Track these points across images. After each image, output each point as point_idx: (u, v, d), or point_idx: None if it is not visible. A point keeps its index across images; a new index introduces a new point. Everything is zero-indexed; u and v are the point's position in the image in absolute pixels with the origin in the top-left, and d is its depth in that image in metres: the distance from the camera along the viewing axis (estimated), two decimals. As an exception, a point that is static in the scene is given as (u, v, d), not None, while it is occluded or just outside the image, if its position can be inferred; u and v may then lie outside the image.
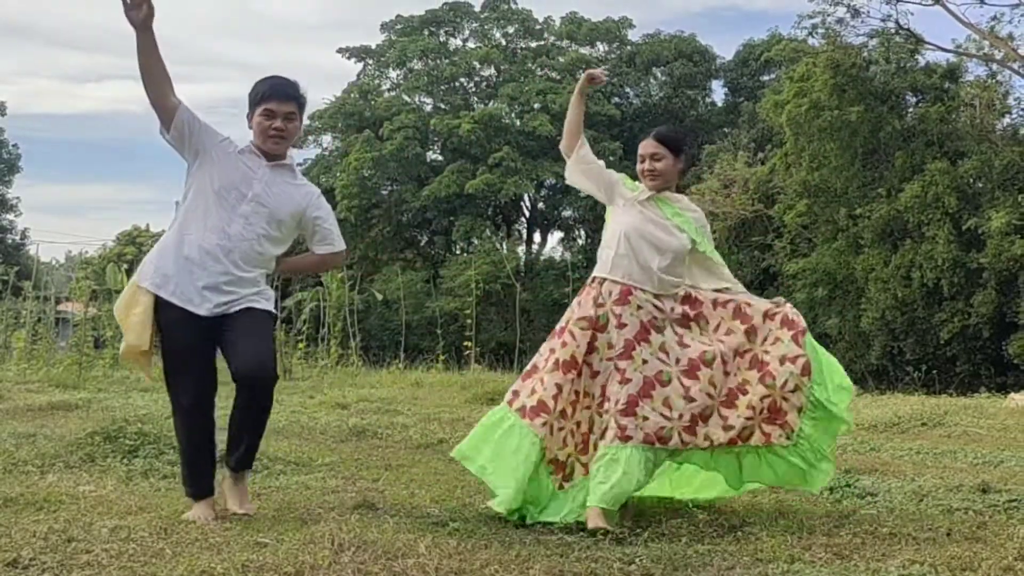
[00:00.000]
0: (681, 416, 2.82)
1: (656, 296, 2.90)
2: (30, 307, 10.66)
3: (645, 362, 2.83)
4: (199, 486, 2.76)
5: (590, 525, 2.68)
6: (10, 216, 31.09)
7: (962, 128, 16.12)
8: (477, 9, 26.41)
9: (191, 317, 2.67)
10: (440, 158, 25.67)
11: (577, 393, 2.86)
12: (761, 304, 2.97)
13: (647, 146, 2.98)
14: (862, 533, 2.62)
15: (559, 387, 2.83)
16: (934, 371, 12.81)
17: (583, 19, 26.19)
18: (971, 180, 15.39)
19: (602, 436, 2.81)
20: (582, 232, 26.16)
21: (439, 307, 17.61)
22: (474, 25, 26.59)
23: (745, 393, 2.85)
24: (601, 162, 3.12)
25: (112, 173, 75.67)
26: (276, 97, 2.75)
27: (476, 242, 24.31)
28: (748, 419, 2.84)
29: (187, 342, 2.70)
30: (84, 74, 68.23)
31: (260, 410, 2.83)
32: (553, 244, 27.37)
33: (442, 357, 10.02)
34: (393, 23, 26.66)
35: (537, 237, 27.11)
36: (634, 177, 3.10)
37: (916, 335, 15.31)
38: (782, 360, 2.85)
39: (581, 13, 26.37)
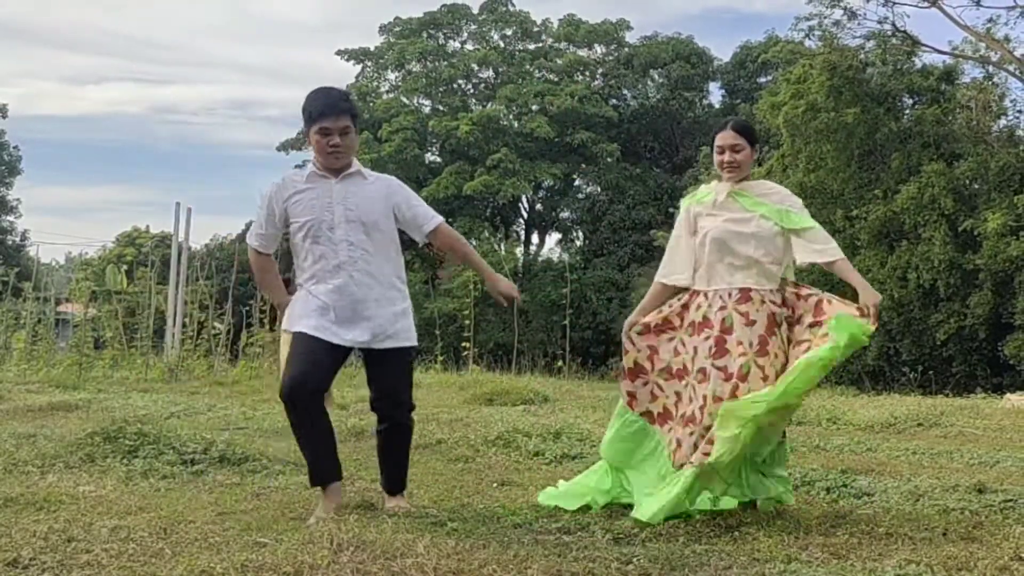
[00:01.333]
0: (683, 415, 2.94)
1: (767, 289, 2.92)
2: (30, 308, 10.67)
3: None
4: None
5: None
6: (10, 217, 31.15)
7: (958, 130, 16.17)
8: (475, 11, 26.46)
9: None
10: (438, 159, 25.69)
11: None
12: (837, 306, 2.84)
13: (727, 137, 2.98)
14: (859, 533, 2.63)
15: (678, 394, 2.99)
16: (930, 372, 12.87)
17: (581, 21, 26.24)
18: (967, 182, 15.44)
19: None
20: (580, 233, 26.19)
21: (437, 308, 17.61)
22: (472, 27, 26.63)
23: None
24: (675, 243, 3.08)
25: (112, 175, 75.62)
26: (330, 114, 2.80)
27: (474, 243, 24.25)
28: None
29: None
30: (84, 76, 68.32)
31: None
32: (551, 245, 27.43)
33: (440, 358, 10.03)
34: (391, 25, 26.69)
35: (535, 238, 27.18)
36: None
37: (912, 336, 15.35)
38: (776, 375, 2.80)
39: (579, 15, 26.48)
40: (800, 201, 3.04)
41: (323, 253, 2.79)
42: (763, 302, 2.89)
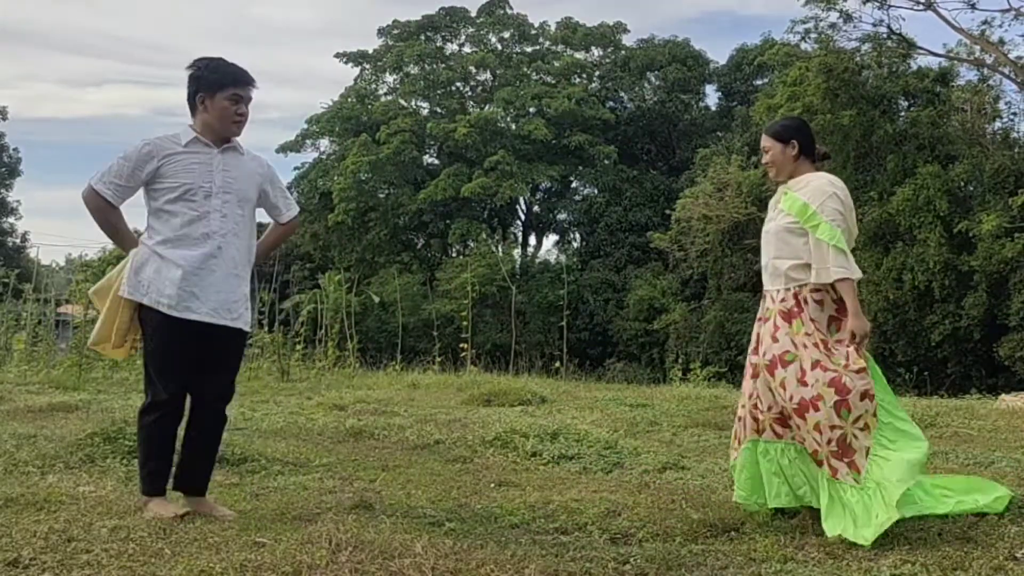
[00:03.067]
0: (771, 408, 2.84)
1: (776, 290, 2.89)
2: (30, 309, 10.67)
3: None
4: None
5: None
6: (11, 219, 31.22)
7: (953, 132, 16.25)
8: (473, 14, 26.52)
9: None
10: (436, 162, 25.71)
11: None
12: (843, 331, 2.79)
13: (763, 143, 3.05)
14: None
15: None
16: (925, 373, 12.90)
17: (578, 24, 26.31)
18: (962, 183, 15.51)
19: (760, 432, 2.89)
20: (577, 235, 26.23)
21: (435, 309, 17.60)
22: (470, 30, 26.68)
23: (817, 410, 2.69)
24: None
25: (112, 176, 75.32)
26: (243, 83, 2.78)
27: (472, 245, 24.35)
28: (816, 442, 2.72)
29: None
30: (84, 79, 68.32)
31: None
32: (548, 247, 27.55)
33: (438, 359, 10.04)
34: (390, 28, 26.73)
35: (532, 240, 27.21)
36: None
37: (907, 337, 15.40)
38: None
39: (576, 18, 26.57)
40: (831, 193, 2.80)
41: (192, 219, 2.71)
42: (773, 301, 2.88)
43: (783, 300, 2.85)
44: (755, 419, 2.88)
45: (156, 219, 2.75)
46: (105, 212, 2.73)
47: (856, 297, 2.77)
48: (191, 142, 2.76)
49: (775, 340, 2.82)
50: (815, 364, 2.73)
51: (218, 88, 2.76)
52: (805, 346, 2.76)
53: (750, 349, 2.96)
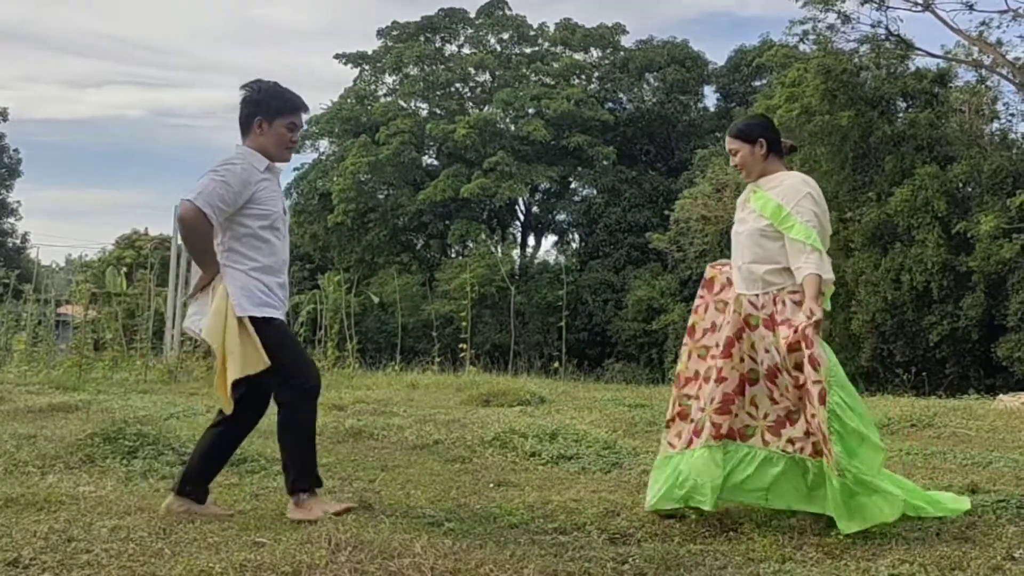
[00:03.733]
0: (767, 416, 2.82)
1: (754, 294, 2.85)
2: (31, 310, 10.71)
3: (741, 360, 2.86)
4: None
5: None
6: (11, 220, 31.27)
7: (951, 133, 16.27)
8: (472, 15, 26.53)
9: None
10: (435, 163, 25.73)
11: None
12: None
13: (726, 145, 3.03)
14: (852, 533, 2.63)
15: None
16: (924, 373, 12.90)
17: (577, 25, 26.33)
18: (960, 184, 15.53)
19: (698, 433, 2.86)
20: (576, 236, 26.25)
21: (435, 310, 17.61)
22: (469, 31, 26.70)
23: (804, 409, 2.76)
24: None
25: (112, 178, 75.74)
26: (301, 111, 2.85)
27: (471, 245, 24.35)
28: (808, 435, 2.76)
29: None
30: (85, 80, 68.46)
31: None
32: (547, 247, 27.50)
33: (438, 359, 10.05)
34: (389, 29, 26.74)
35: (531, 240, 27.22)
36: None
37: (906, 337, 15.41)
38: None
39: (575, 19, 26.57)
40: (805, 193, 2.79)
41: (277, 249, 2.78)
42: (755, 308, 2.85)
43: (763, 306, 2.82)
44: (716, 425, 2.83)
45: (245, 245, 2.75)
46: (205, 233, 2.70)
47: (819, 291, 2.71)
48: (268, 168, 2.82)
49: (767, 351, 2.80)
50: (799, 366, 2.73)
51: (277, 114, 2.80)
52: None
53: (721, 352, 2.88)
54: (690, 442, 2.88)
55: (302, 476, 2.79)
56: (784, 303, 2.78)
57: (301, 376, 2.82)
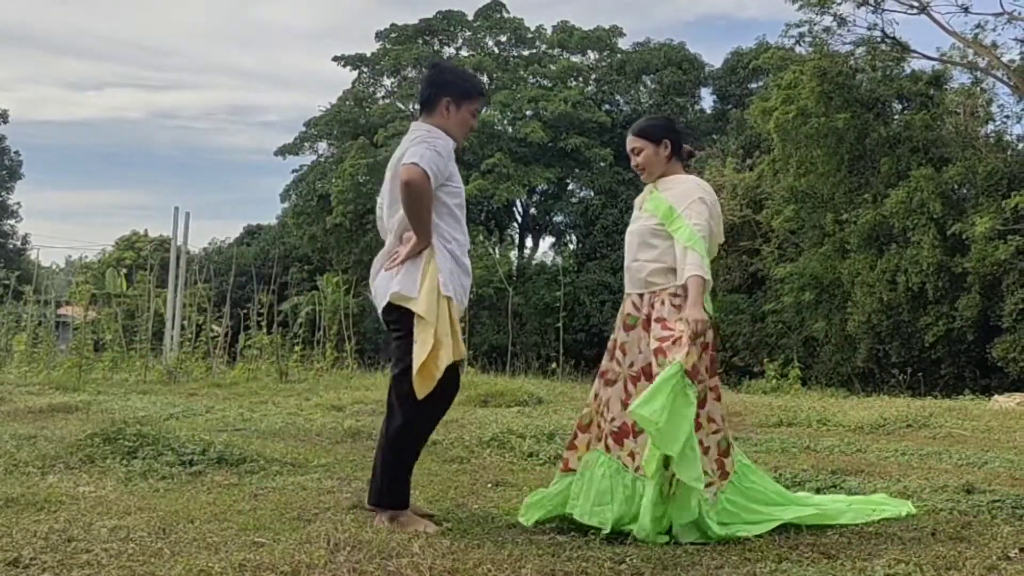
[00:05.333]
0: (613, 420, 2.77)
1: (638, 294, 2.83)
2: (31, 311, 10.72)
3: (611, 360, 2.84)
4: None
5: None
6: (11, 221, 31.27)
7: (947, 135, 16.33)
8: (470, 18, 26.55)
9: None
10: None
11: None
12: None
13: (628, 143, 2.97)
14: (848, 533, 2.66)
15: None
16: (919, 373, 12.96)
17: (574, 28, 26.36)
18: (955, 186, 15.59)
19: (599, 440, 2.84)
20: (573, 237, 26.27)
21: (431, 311, 17.51)
22: (467, 34, 26.72)
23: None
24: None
25: (112, 180, 75.58)
26: (485, 97, 2.88)
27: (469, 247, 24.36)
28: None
29: None
30: (85, 82, 68.38)
31: None
32: (545, 249, 27.48)
33: (435, 361, 10.00)
34: (388, 31, 26.75)
35: (529, 242, 27.23)
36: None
37: (901, 338, 15.46)
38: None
39: (572, 22, 26.60)
40: (697, 197, 2.75)
41: (465, 228, 2.80)
42: (636, 308, 2.82)
43: (642, 307, 2.80)
44: (599, 426, 2.82)
45: (448, 223, 2.73)
46: (429, 197, 2.63)
47: (701, 295, 2.67)
48: (454, 149, 2.79)
49: (640, 351, 2.77)
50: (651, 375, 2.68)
51: (466, 97, 2.79)
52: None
53: (607, 355, 2.87)
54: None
55: (401, 488, 2.72)
56: (663, 303, 2.74)
57: (440, 399, 2.72)
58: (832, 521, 2.78)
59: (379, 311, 2.78)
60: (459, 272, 2.74)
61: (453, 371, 2.74)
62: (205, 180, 74.15)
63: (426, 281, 2.66)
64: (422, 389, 2.60)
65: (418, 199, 2.63)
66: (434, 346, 2.62)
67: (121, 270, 11.10)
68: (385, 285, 2.73)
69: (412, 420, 2.69)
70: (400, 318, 2.69)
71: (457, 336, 2.67)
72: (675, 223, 2.74)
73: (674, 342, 2.65)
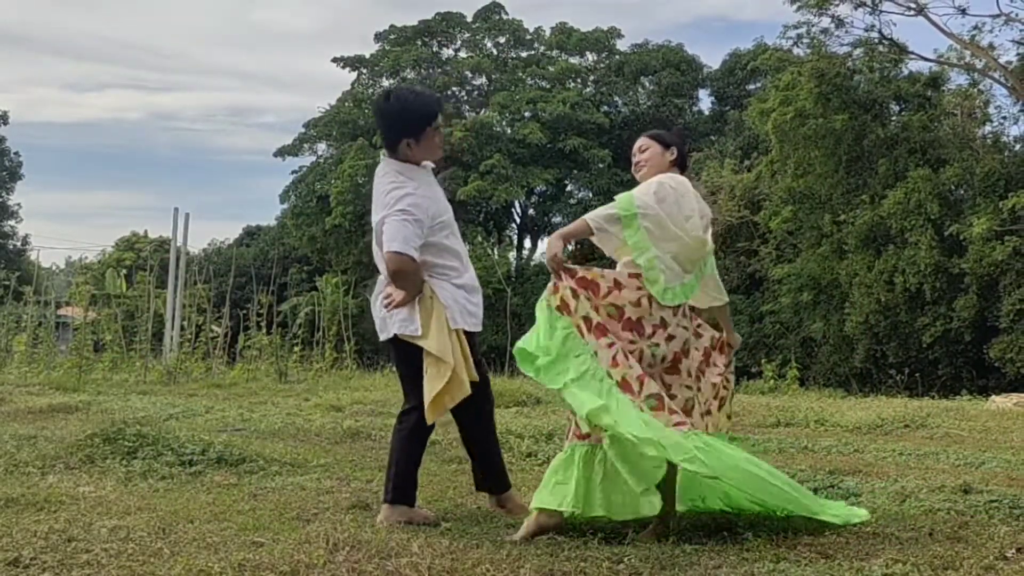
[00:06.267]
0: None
1: None
2: (31, 311, 10.73)
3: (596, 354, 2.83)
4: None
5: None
6: (12, 222, 31.29)
7: (944, 136, 16.38)
8: (469, 19, 26.58)
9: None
10: (432, 165, 25.71)
11: None
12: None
13: (637, 143, 3.02)
14: (846, 533, 2.66)
15: None
16: (917, 374, 12.99)
17: (573, 29, 26.39)
18: (953, 187, 15.63)
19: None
20: (572, 238, 26.25)
21: (430, 312, 17.53)
22: (466, 35, 26.74)
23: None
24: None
25: (112, 181, 75.61)
26: (441, 110, 2.90)
27: (468, 247, 24.35)
28: None
29: None
30: (85, 83, 68.47)
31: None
32: (543, 250, 27.48)
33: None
34: (387, 33, 26.76)
35: (528, 243, 27.25)
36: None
37: (899, 339, 15.49)
38: None
39: (571, 23, 26.62)
40: (657, 183, 2.74)
41: (459, 249, 2.82)
42: None
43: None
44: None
45: (439, 257, 2.80)
46: (418, 272, 2.71)
47: (564, 230, 2.77)
48: (418, 173, 2.85)
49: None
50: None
51: (422, 128, 2.78)
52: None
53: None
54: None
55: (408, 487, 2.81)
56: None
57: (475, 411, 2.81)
58: (777, 501, 2.72)
59: (381, 339, 2.85)
60: (464, 296, 2.79)
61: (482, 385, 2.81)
62: (205, 181, 74.23)
63: (432, 321, 2.70)
64: (432, 416, 2.71)
65: (407, 279, 2.69)
66: (450, 380, 2.67)
67: (121, 271, 11.12)
68: (385, 323, 2.80)
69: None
70: (407, 356, 2.76)
71: (469, 363, 2.73)
72: (630, 224, 2.70)
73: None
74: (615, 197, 2.78)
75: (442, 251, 2.79)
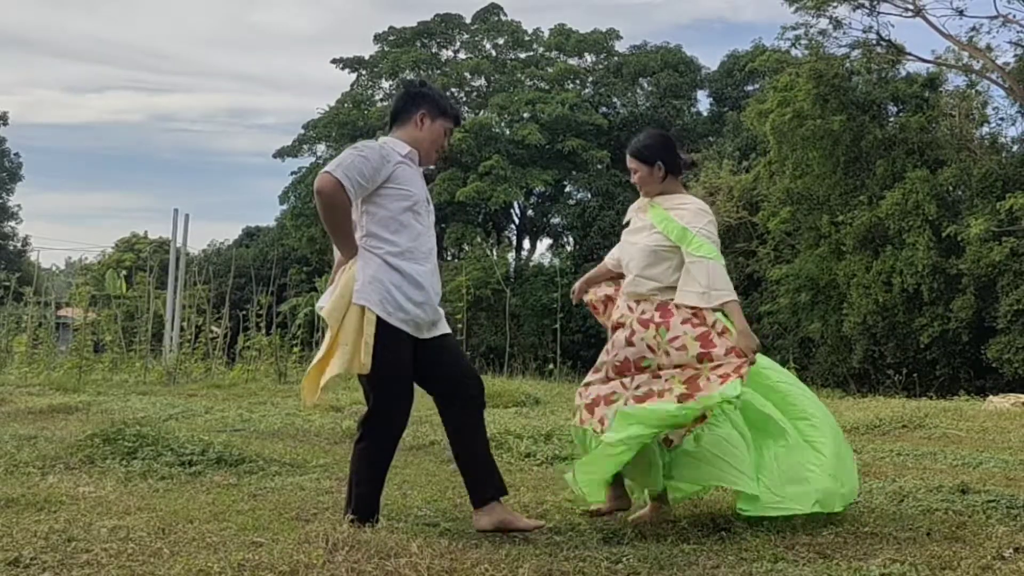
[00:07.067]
0: (589, 395, 2.95)
1: (634, 298, 2.98)
2: (31, 312, 10.74)
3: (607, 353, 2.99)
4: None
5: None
6: (12, 223, 31.33)
7: (942, 137, 16.41)
8: (468, 21, 26.61)
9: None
10: (431, 166, 25.68)
11: None
12: (729, 342, 2.82)
13: (628, 162, 3.09)
14: (844, 533, 2.67)
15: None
16: (914, 374, 12.99)
17: (571, 31, 26.42)
18: (950, 188, 15.66)
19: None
20: (570, 239, 26.29)
21: (429, 313, 17.51)
22: (465, 37, 26.76)
23: (662, 396, 2.82)
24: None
25: (112, 182, 75.55)
26: (459, 121, 2.84)
27: (467, 248, 24.36)
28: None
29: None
30: (85, 84, 68.42)
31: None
32: (542, 250, 27.51)
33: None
34: (386, 34, 26.77)
35: (527, 244, 27.25)
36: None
37: (897, 339, 15.51)
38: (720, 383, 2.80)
39: (569, 25, 26.65)
40: (710, 219, 2.92)
41: (420, 233, 2.63)
42: (631, 311, 2.95)
43: (639, 311, 2.93)
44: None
45: (386, 228, 2.58)
46: (343, 207, 2.51)
47: (743, 316, 2.85)
48: (409, 154, 2.68)
49: (630, 346, 2.90)
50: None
51: (442, 115, 2.74)
52: (668, 353, 2.84)
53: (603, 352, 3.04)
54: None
55: (349, 504, 2.63)
56: (657, 305, 2.92)
57: (384, 422, 2.71)
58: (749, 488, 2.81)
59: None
60: (396, 280, 2.56)
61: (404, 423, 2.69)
62: (204, 182, 74.14)
63: (338, 288, 2.57)
64: (307, 397, 2.59)
65: (328, 209, 2.52)
66: (326, 353, 2.53)
67: (121, 272, 11.10)
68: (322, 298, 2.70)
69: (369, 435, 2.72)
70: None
71: (361, 348, 2.50)
72: (694, 241, 2.87)
73: (736, 370, 2.77)
74: (700, 249, 2.85)
75: (393, 222, 2.58)
